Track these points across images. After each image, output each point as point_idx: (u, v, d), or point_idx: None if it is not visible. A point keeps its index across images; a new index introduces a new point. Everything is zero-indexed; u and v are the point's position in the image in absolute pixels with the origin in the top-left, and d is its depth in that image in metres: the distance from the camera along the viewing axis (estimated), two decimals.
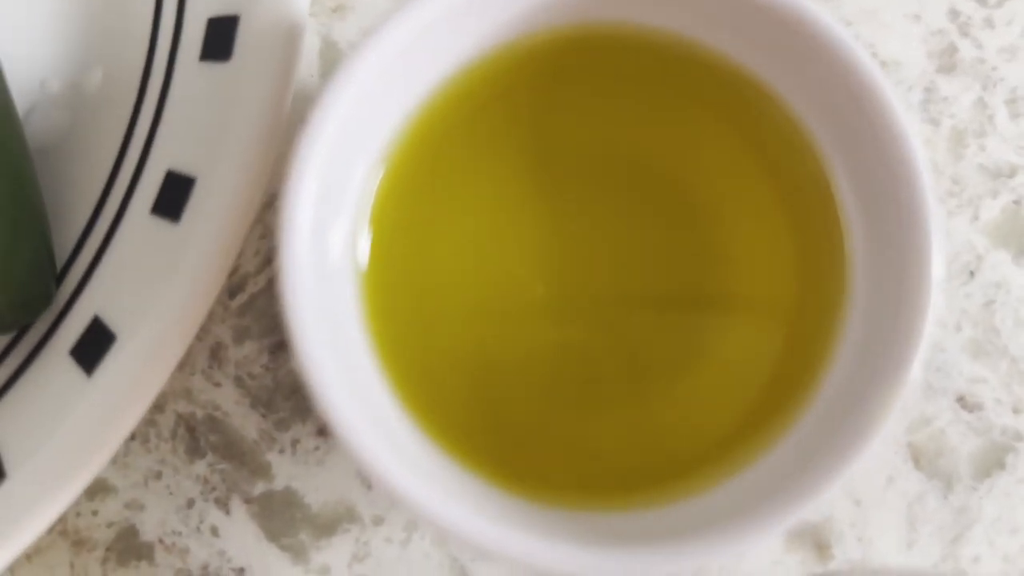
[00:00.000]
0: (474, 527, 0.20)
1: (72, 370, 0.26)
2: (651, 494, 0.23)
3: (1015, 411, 0.28)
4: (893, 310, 0.21)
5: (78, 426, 0.25)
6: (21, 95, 0.29)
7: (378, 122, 0.23)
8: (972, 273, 0.29)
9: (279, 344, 0.29)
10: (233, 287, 0.29)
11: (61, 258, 0.27)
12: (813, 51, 0.22)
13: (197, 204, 0.26)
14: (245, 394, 0.29)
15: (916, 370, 0.20)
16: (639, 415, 0.24)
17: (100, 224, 0.27)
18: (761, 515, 0.20)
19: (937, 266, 0.21)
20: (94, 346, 0.26)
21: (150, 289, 0.26)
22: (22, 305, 0.26)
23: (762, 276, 0.24)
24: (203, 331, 0.29)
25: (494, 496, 0.22)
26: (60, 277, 0.27)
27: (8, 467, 0.25)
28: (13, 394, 0.26)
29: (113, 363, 0.25)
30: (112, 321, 0.26)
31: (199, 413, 0.29)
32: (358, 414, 0.20)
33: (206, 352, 0.29)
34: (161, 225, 0.26)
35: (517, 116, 0.24)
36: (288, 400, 0.29)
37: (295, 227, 0.20)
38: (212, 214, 0.25)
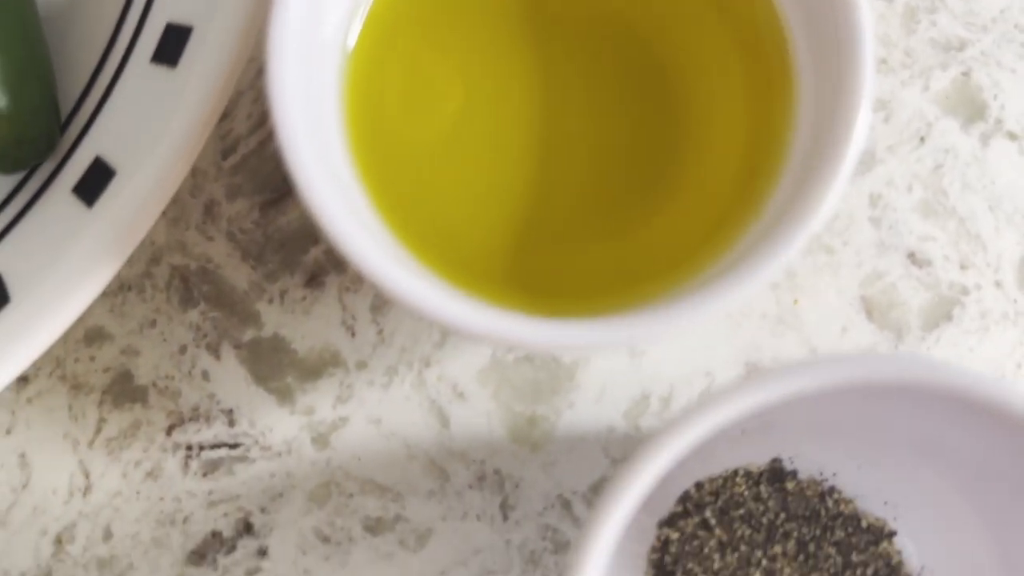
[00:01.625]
0: (450, 308, 0.22)
1: (74, 205, 0.27)
2: (622, 300, 0.24)
3: (962, 267, 0.30)
4: (830, 128, 0.23)
5: (81, 251, 0.27)
6: None
7: None
8: (923, 139, 0.31)
9: (269, 201, 0.31)
10: (226, 148, 0.31)
11: (67, 106, 0.29)
12: None
13: (193, 50, 0.27)
14: (236, 248, 0.31)
15: (846, 177, 0.22)
16: (614, 239, 0.26)
17: (104, 74, 0.29)
18: (721, 292, 0.22)
19: (868, 93, 0.22)
20: (95, 182, 0.27)
21: (149, 129, 0.27)
22: (28, 143, 0.28)
23: (720, 108, 0.26)
24: (197, 189, 0.31)
25: (445, 285, 0.24)
26: (66, 124, 0.29)
27: (12, 292, 0.27)
28: (19, 229, 0.28)
29: (113, 194, 0.27)
30: (113, 159, 0.27)
31: (192, 265, 0.31)
32: (327, 183, 0.22)
33: (200, 208, 0.31)
34: (160, 72, 0.28)
35: None
36: (277, 253, 0.31)
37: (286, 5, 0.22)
38: (207, 58, 0.27)
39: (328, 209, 0.22)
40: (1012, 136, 0.30)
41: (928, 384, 0.21)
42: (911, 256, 0.30)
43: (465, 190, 0.26)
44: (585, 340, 0.22)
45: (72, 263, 0.27)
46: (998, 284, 0.30)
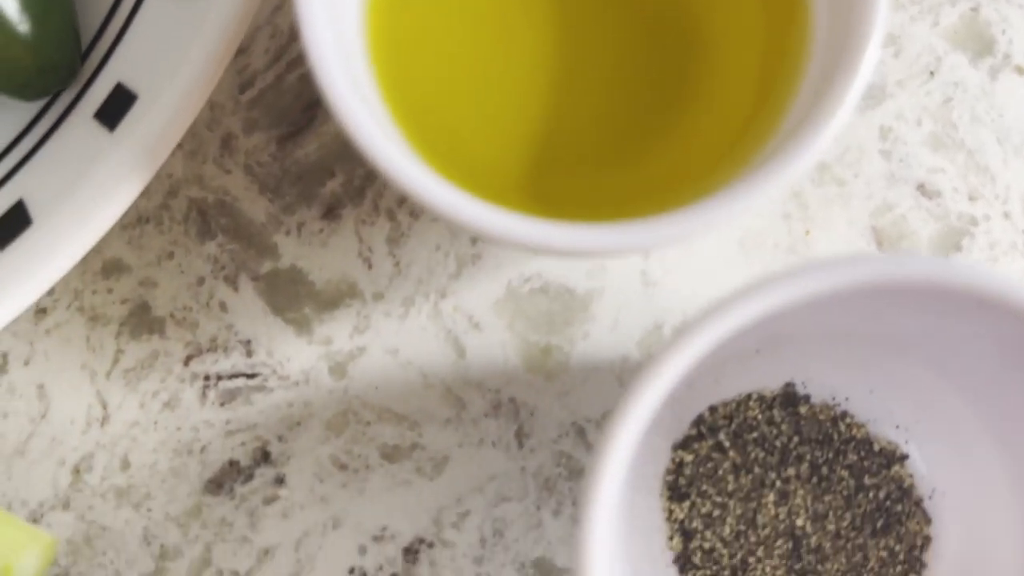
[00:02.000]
0: (478, 213, 0.22)
1: (96, 129, 0.28)
2: (637, 215, 0.25)
3: (971, 199, 0.31)
4: (842, 57, 0.23)
5: (103, 174, 0.27)
6: None
7: None
8: (932, 73, 0.31)
9: (286, 135, 0.31)
10: (243, 83, 0.31)
11: (88, 34, 0.29)
12: None
13: None
14: (253, 180, 0.31)
15: (852, 105, 0.22)
16: (631, 158, 0.26)
17: (125, 2, 0.29)
18: (731, 202, 0.22)
19: (880, 24, 0.23)
20: (117, 107, 0.28)
21: (170, 55, 0.28)
22: (50, 70, 0.28)
23: (736, 31, 0.26)
24: (214, 122, 0.31)
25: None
26: (87, 52, 0.29)
27: (34, 215, 0.27)
28: (41, 155, 0.28)
29: (135, 118, 0.27)
30: (134, 85, 0.28)
31: (210, 198, 0.31)
32: (356, 100, 0.22)
33: (217, 142, 0.31)
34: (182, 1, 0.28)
35: None
36: (294, 186, 0.31)
37: None
38: None
39: (359, 123, 0.23)
40: (1020, 70, 0.31)
41: (940, 282, 0.21)
42: (921, 188, 0.31)
43: (485, 110, 0.26)
44: (607, 242, 0.22)
45: (94, 185, 0.27)
46: (1006, 215, 0.31)
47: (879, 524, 0.28)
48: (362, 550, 0.30)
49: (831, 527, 0.28)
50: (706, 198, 0.24)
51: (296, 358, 0.31)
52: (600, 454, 0.22)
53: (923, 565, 0.28)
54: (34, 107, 0.29)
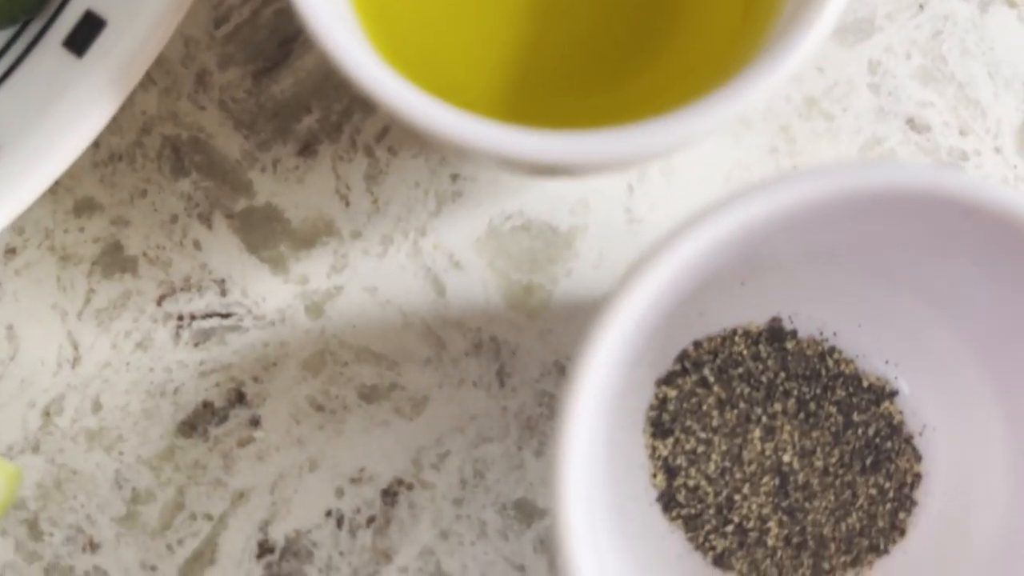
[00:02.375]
0: (460, 123, 0.22)
1: (65, 57, 0.27)
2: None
3: (961, 133, 0.30)
4: None
5: (72, 99, 0.26)
6: None
7: None
8: (921, 6, 0.30)
9: (262, 70, 0.31)
10: (219, 18, 0.31)
11: None
12: None
13: None
14: (228, 117, 0.30)
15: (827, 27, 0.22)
16: (615, 83, 0.26)
17: None
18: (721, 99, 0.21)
19: None
20: (86, 34, 0.27)
21: None
22: None
23: None
24: (189, 58, 0.31)
25: None
26: None
27: (0, 143, 0.27)
28: (7, 85, 0.28)
29: (104, 44, 0.27)
30: (103, 11, 0.27)
31: (184, 135, 0.30)
32: (338, 25, 0.22)
33: (192, 78, 0.31)
34: None
35: None
36: (270, 122, 0.30)
37: None
38: None
39: (339, 45, 0.22)
40: (1011, 3, 0.30)
41: (924, 189, 0.21)
42: (910, 122, 0.30)
43: (466, 32, 0.25)
44: (589, 150, 0.21)
45: (62, 113, 0.26)
46: (997, 150, 0.30)
47: (868, 461, 0.28)
48: (339, 492, 0.29)
49: (819, 464, 0.27)
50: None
51: (272, 297, 0.30)
52: (574, 377, 0.22)
53: (913, 503, 0.28)
54: (3, 36, 0.28)
